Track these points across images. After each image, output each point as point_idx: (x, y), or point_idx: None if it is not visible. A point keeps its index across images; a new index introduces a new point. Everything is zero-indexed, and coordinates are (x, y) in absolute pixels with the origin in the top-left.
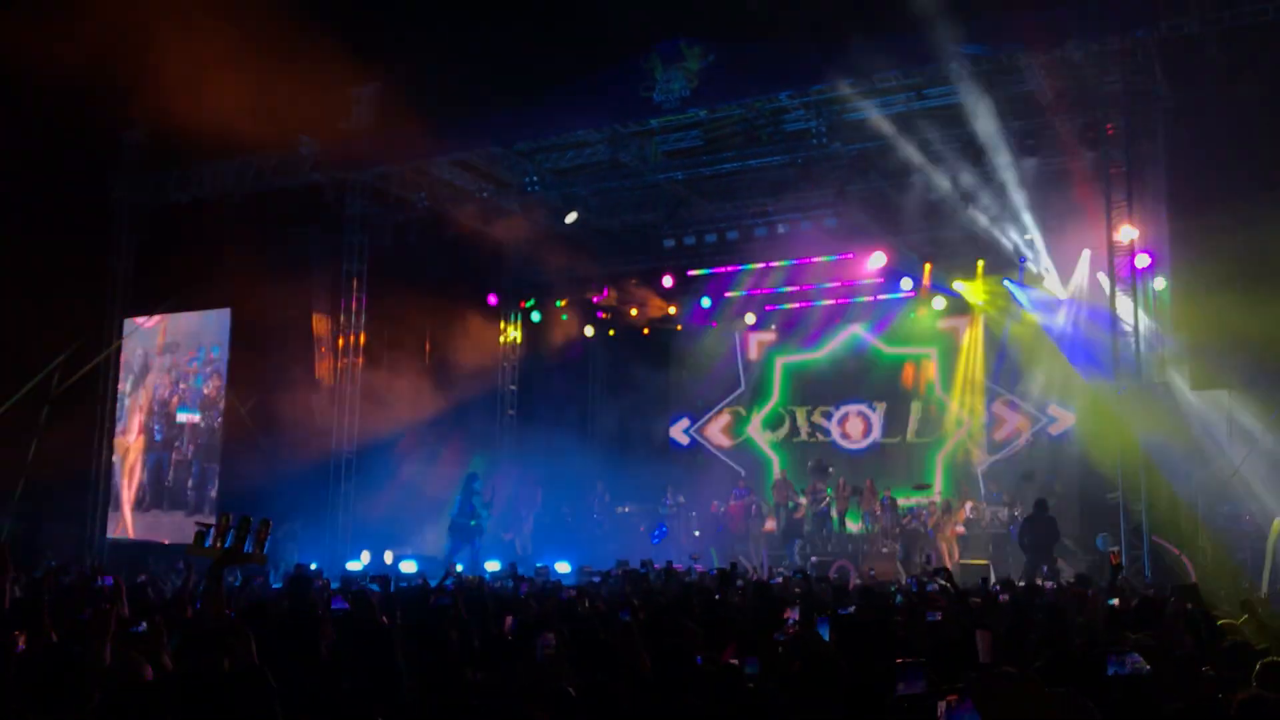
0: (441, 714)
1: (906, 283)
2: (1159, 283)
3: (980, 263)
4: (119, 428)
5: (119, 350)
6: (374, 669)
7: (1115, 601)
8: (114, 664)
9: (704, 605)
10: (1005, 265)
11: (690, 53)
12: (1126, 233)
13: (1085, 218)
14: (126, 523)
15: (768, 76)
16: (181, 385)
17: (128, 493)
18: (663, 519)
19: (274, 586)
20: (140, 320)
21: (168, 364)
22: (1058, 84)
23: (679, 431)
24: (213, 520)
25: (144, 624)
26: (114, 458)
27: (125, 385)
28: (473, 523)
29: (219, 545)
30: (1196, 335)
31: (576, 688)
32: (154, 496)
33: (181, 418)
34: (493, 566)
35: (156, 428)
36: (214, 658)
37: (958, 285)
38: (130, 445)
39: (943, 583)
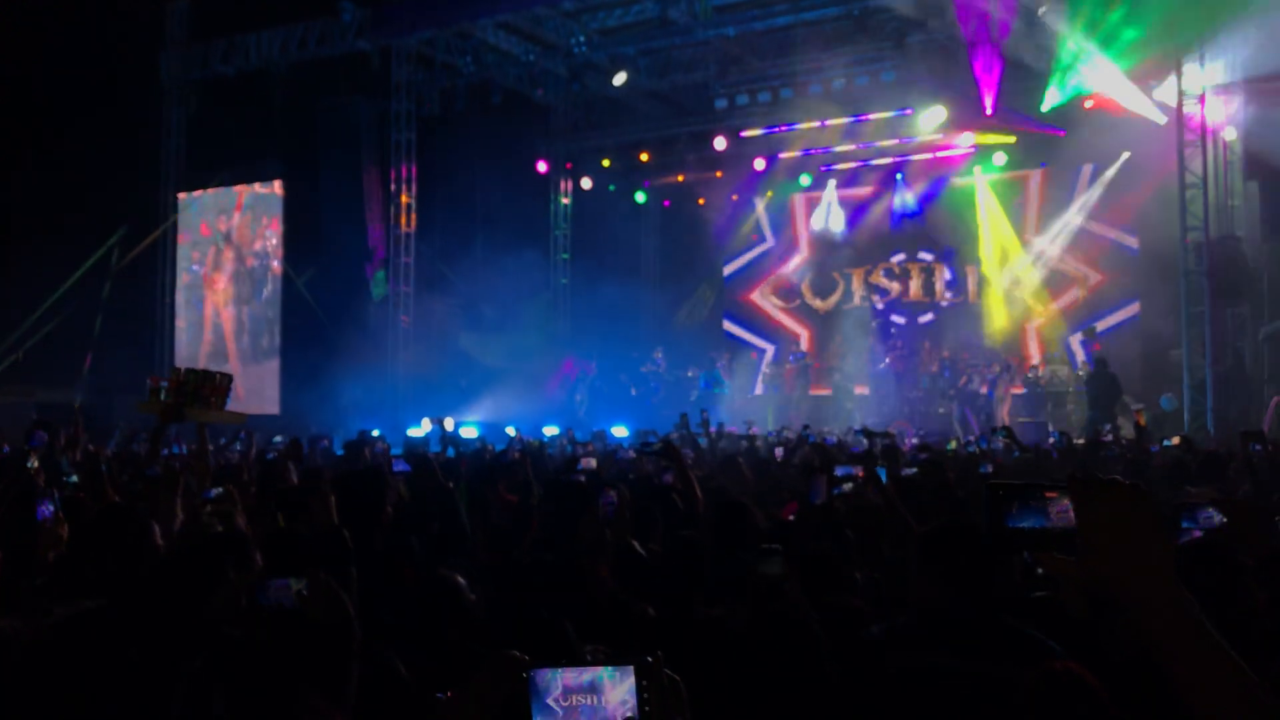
0: (506, 570)
1: (967, 137)
2: (1230, 133)
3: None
4: (204, 295)
5: (175, 225)
6: (440, 528)
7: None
8: (186, 522)
9: (758, 466)
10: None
11: None
12: (1198, 79)
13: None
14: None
15: None
16: (244, 257)
17: (213, 362)
18: (712, 379)
19: (336, 453)
20: (195, 194)
21: (232, 235)
22: None
23: (728, 297)
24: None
25: (216, 489)
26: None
27: (202, 255)
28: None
29: (170, 400)
30: (1270, 186)
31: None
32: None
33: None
34: (550, 431)
35: (235, 294)
36: (292, 517)
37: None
38: (210, 313)
39: (1005, 440)
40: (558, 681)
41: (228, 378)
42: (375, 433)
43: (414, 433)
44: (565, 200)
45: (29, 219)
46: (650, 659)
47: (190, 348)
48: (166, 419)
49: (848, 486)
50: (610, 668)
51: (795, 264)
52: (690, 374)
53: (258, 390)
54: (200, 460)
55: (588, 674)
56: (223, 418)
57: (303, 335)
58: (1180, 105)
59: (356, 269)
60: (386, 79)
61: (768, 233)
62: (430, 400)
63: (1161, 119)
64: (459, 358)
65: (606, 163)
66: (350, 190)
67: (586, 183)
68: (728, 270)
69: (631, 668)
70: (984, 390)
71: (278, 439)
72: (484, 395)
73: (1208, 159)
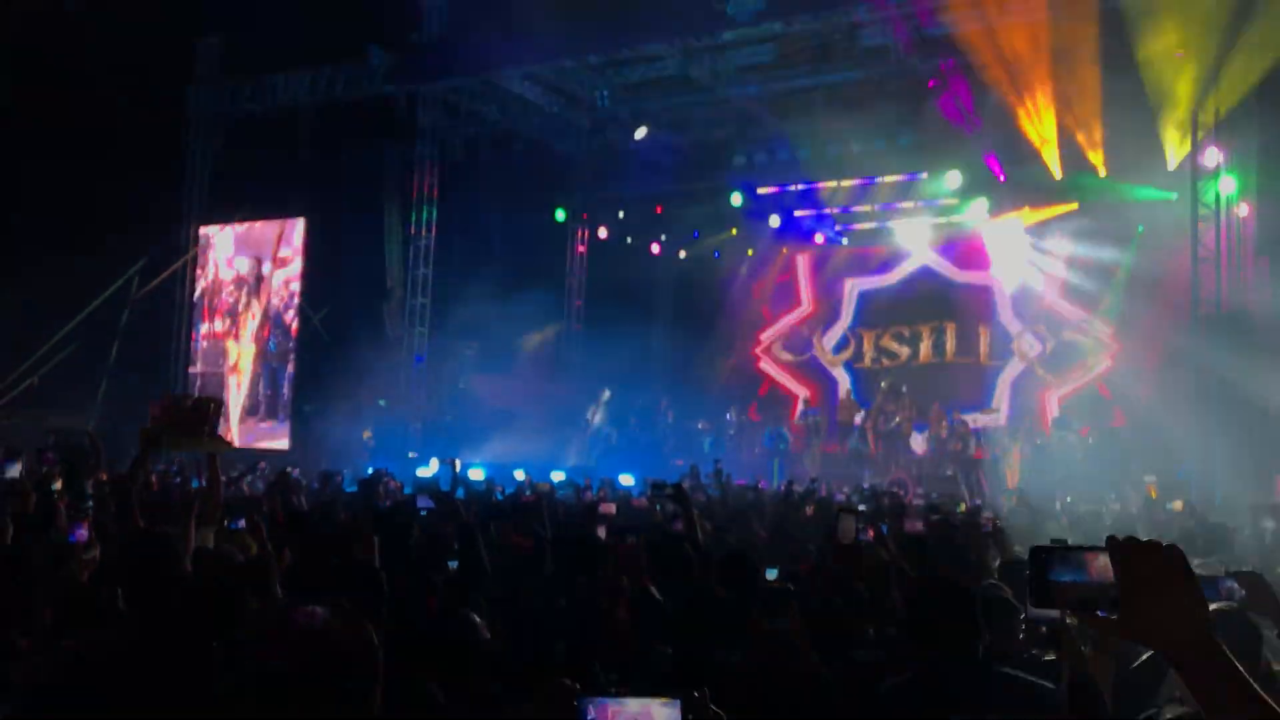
0: (526, 610)
1: (981, 204)
2: (1243, 209)
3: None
4: (223, 327)
5: (195, 257)
6: (461, 564)
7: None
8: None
9: (771, 519)
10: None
11: None
12: (1212, 155)
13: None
14: (232, 431)
15: None
16: (259, 292)
17: (236, 400)
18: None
19: (347, 490)
20: (216, 228)
21: (250, 269)
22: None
23: (739, 350)
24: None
25: (242, 520)
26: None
27: (237, 295)
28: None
29: (154, 426)
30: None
31: (658, 588)
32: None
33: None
34: (558, 477)
35: (272, 339)
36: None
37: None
38: (240, 353)
39: (1019, 505)
40: (606, 711)
41: (216, 404)
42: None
43: (423, 472)
44: (581, 249)
45: (52, 246)
46: (697, 694)
47: (205, 380)
48: (149, 446)
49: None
50: (658, 700)
51: (808, 321)
52: (701, 426)
53: (270, 425)
54: (212, 490)
55: (636, 705)
56: (203, 446)
57: (317, 372)
58: (1194, 177)
59: (373, 309)
60: (411, 123)
61: (782, 288)
62: (439, 440)
63: (1172, 195)
64: (469, 399)
65: (622, 215)
66: (370, 231)
67: (603, 232)
68: (741, 324)
69: (679, 701)
70: (977, 455)
71: (293, 471)
72: (492, 437)
73: (1220, 234)
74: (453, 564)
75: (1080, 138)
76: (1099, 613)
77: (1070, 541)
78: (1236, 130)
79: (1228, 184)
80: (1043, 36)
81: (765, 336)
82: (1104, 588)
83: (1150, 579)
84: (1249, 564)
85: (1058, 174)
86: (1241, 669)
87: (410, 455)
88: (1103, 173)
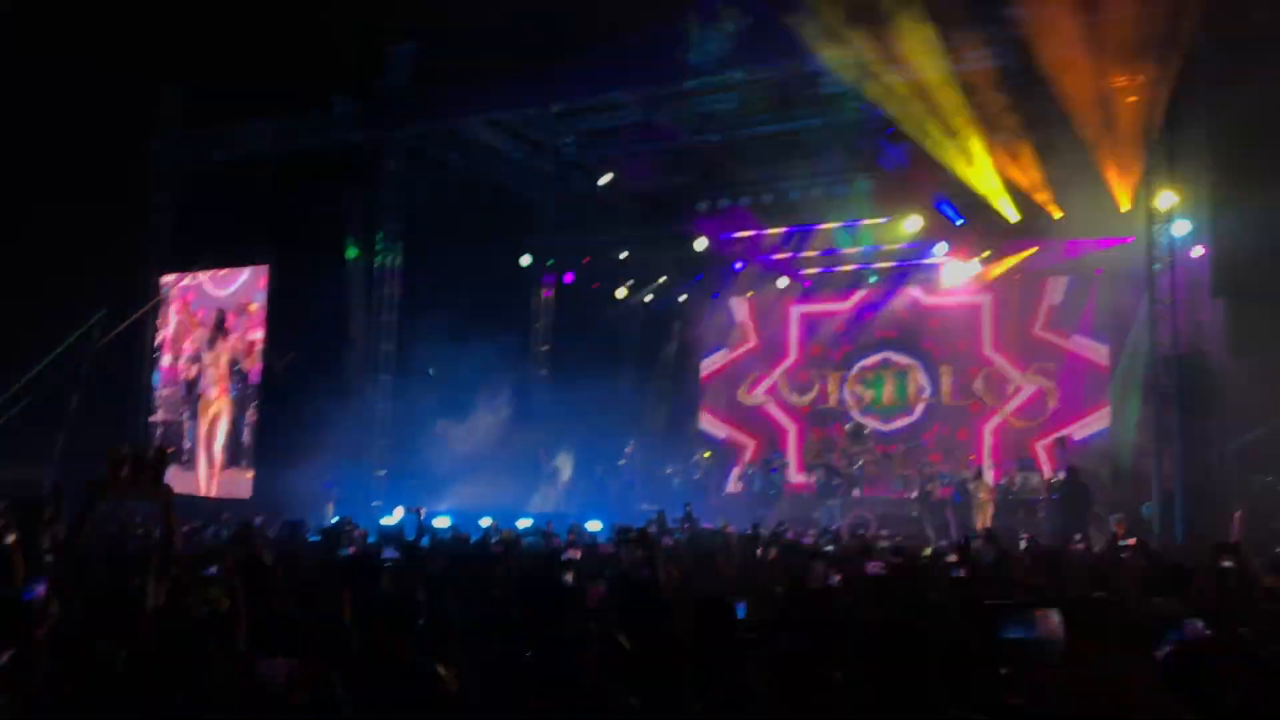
0: (493, 660)
1: (942, 247)
2: (1197, 250)
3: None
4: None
5: (157, 306)
6: (428, 614)
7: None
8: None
9: (739, 563)
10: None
11: (727, 14)
12: (1166, 199)
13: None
14: (199, 481)
15: (805, 40)
16: (223, 340)
17: (206, 451)
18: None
19: (311, 539)
20: (178, 276)
21: (213, 318)
22: (1105, 46)
23: (706, 394)
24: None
25: (215, 568)
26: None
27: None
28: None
29: (110, 475)
30: (1237, 303)
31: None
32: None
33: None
34: (525, 524)
35: (234, 387)
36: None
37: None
38: (202, 402)
39: (986, 545)
40: None
41: (160, 453)
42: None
43: (387, 521)
44: (547, 294)
45: (11, 296)
46: None
47: (167, 429)
48: (94, 497)
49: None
50: None
51: (773, 364)
52: (668, 471)
53: (229, 475)
54: (167, 541)
55: None
56: (144, 495)
57: (280, 421)
58: (1149, 222)
59: (337, 356)
60: (376, 170)
61: (745, 333)
62: (405, 488)
63: (1129, 238)
64: (434, 446)
65: (587, 260)
66: (334, 278)
67: (569, 277)
68: (706, 368)
69: None
70: (945, 494)
71: (257, 521)
72: (457, 485)
73: (1177, 276)
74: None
75: (1034, 183)
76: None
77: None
78: (1189, 174)
79: (1182, 227)
80: (989, 84)
81: (730, 380)
82: (1051, 644)
83: (1096, 635)
84: (1207, 603)
85: (1014, 217)
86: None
87: (374, 504)
88: (1058, 215)
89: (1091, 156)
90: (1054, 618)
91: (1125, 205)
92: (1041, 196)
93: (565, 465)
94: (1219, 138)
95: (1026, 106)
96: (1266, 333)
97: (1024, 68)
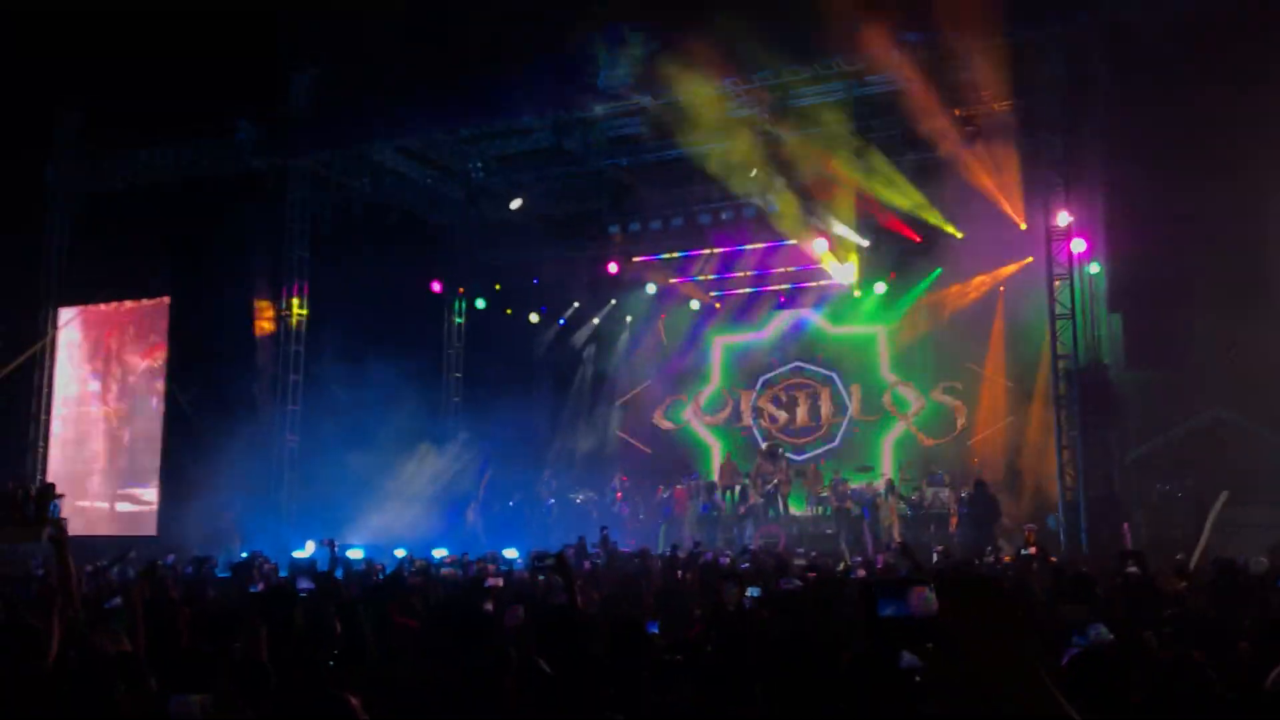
0: (412, 683)
1: (847, 270)
2: (1093, 267)
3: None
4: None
5: (54, 340)
6: (344, 642)
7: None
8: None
9: (658, 585)
10: (944, 251)
11: (634, 39)
12: (1063, 218)
13: (1024, 204)
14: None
15: (713, 64)
16: (125, 374)
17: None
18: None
19: (220, 575)
20: (76, 309)
21: (114, 351)
22: (999, 70)
23: (622, 418)
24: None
25: (118, 599)
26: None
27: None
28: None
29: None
30: (1133, 317)
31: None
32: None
33: (123, 406)
34: (440, 553)
35: (137, 420)
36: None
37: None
38: (102, 437)
39: (900, 558)
40: None
41: (43, 492)
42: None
43: (299, 554)
44: (459, 320)
45: None
46: None
47: (66, 465)
48: None
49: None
50: None
51: (686, 385)
52: (580, 499)
53: (133, 512)
54: (63, 580)
55: None
56: (28, 535)
57: (184, 455)
58: (1049, 240)
59: (243, 387)
60: (281, 197)
61: (659, 356)
62: (316, 521)
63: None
64: (346, 478)
65: (498, 287)
66: (240, 307)
67: (481, 303)
68: (621, 392)
69: None
70: (858, 511)
71: (168, 559)
72: (371, 516)
73: (1075, 291)
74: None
75: (936, 205)
76: (928, 645)
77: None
78: (1085, 194)
79: (1079, 244)
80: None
81: (645, 403)
82: (928, 621)
83: (973, 614)
84: (1113, 609)
85: (917, 238)
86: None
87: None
88: (960, 236)
89: (992, 179)
90: (927, 593)
91: (1022, 224)
92: (942, 218)
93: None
94: (1112, 161)
95: (927, 131)
96: (1161, 345)
97: (922, 93)
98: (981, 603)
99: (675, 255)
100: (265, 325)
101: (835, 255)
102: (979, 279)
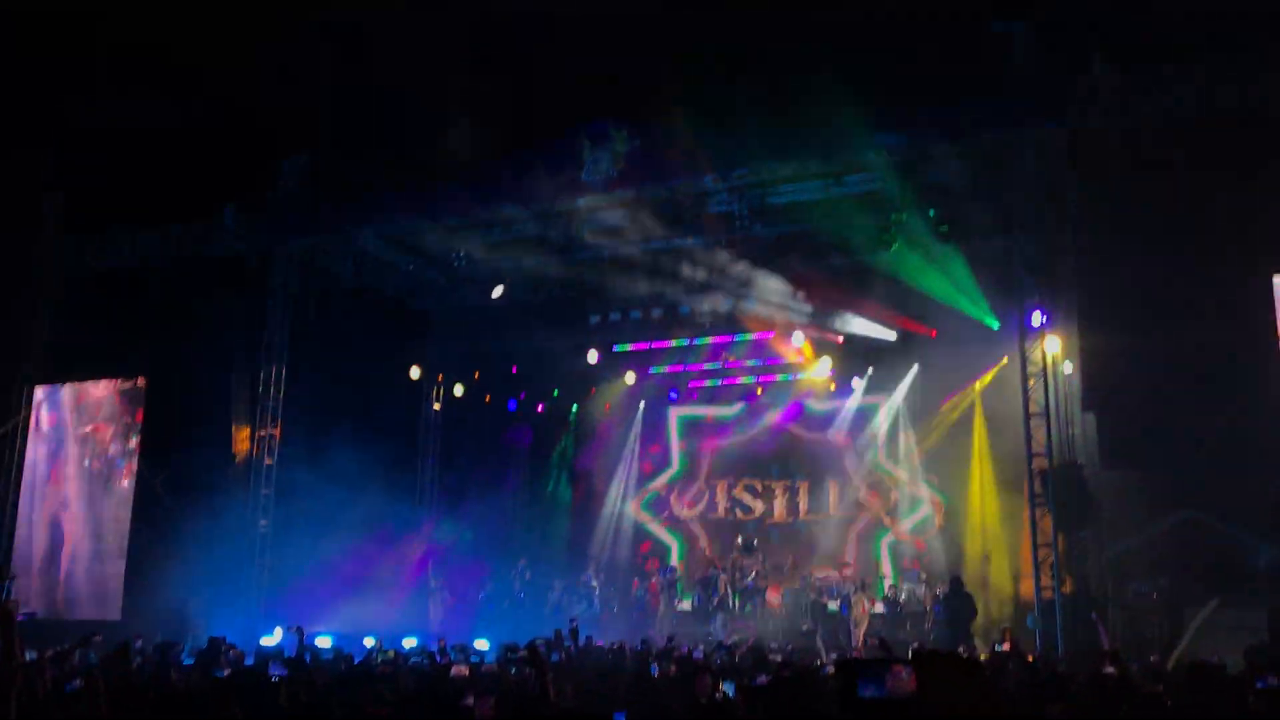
0: None
1: (823, 364)
2: (1067, 367)
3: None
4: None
5: (27, 419)
6: None
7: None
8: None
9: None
10: (919, 348)
11: (618, 135)
12: (1036, 318)
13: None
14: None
15: (693, 160)
16: (98, 455)
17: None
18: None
19: (185, 662)
20: (51, 388)
21: (88, 432)
22: (972, 172)
23: (602, 507)
24: None
25: (78, 681)
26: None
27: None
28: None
29: None
30: (1107, 416)
31: None
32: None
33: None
34: (410, 643)
35: (108, 501)
36: None
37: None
38: (73, 517)
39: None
40: None
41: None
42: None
43: (267, 641)
44: (437, 406)
45: None
46: None
47: (29, 545)
48: None
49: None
50: None
51: (664, 477)
52: (555, 588)
53: (99, 594)
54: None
55: None
56: None
57: (153, 537)
58: (1022, 339)
59: (217, 472)
60: (263, 280)
61: (637, 445)
62: (285, 608)
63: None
64: (317, 564)
65: (477, 375)
66: (217, 391)
67: (459, 389)
68: (597, 482)
69: None
70: (837, 607)
71: (137, 642)
72: (341, 603)
73: (1049, 391)
74: None
75: (911, 307)
76: None
77: None
78: (1059, 294)
79: (1052, 343)
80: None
81: (621, 493)
82: (907, 700)
83: (948, 689)
84: (1089, 710)
85: (893, 336)
86: None
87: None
88: (933, 335)
89: (969, 281)
90: (904, 674)
91: (995, 324)
92: (918, 316)
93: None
94: (1085, 260)
95: (903, 229)
96: (1135, 445)
97: (908, 197)
98: (959, 680)
99: (654, 345)
100: (242, 408)
101: (812, 351)
102: (953, 400)
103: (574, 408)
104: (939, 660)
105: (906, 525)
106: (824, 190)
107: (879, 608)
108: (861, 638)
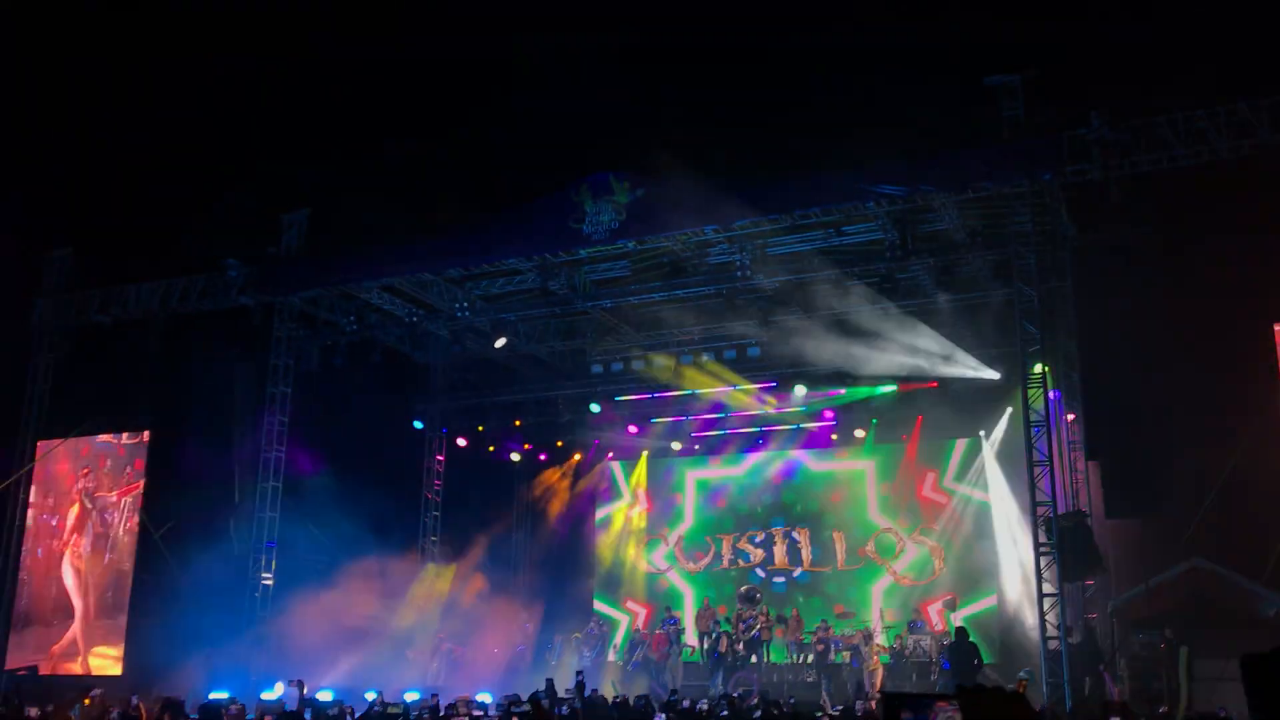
0: None
1: (827, 414)
2: (1069, 415)
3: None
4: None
5: (30, 472)
6: None
7: None
8: None
9: None
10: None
11: (619, 187)
12: (1038, 367)
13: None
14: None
15: (694, 211)
16: (100, 508)
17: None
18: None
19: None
20: (54, 443)
21: (90, 485)
22: (970, 223)
23: (606, 560)
24: None
25: None
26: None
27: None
28: None
29: None
30: (1111, 464)
31: None
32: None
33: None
34: (412, 697)
35: (110, 554)
36: None
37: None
38: (76, 571)
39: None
40: None
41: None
42: (226, 694)
43: (267, 695)
44: (440, 458)
45: None
46: None
47: (34, 602)
48: None
49: None
50: None
51: (668, 528)
52: (556, 640)
53: (100, 650)
54: None
55: None
56: None
57: (155, 592)
58: (1024, 389)
59: (219, 525)
60: (266, 333)
61: (641, 496)
62: (286, 662)
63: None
64: (320, 618)
65: (481, 428)
66: (219, 444)
67: (462, 441)
68: (600, 532)
69: None
70: (847, 658)
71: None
72: (342, 658)
73: (1052, 439)
74: None
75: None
76: None
77: None
78: (1060, 343)
79: (1053, 392)
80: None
81: (624, 544)
82: None
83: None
84: None
85: (894, 388)
86: None
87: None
88: (935, 386)
89: (967, 329)
90: (950, 711)
91: (996, 376)
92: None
93: (444, 657)
94: (1086, 314)
95: (905, 280)
96: (1139, 493)
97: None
98: (1008, 717)
99: (656, 396)
100: (244, 461)
101: (816, 399)
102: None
103: (576, 458)
104: (985, 696)
105: (914, 573)
106: (824, 240)
107: (885, 659)
108: (879, 686)
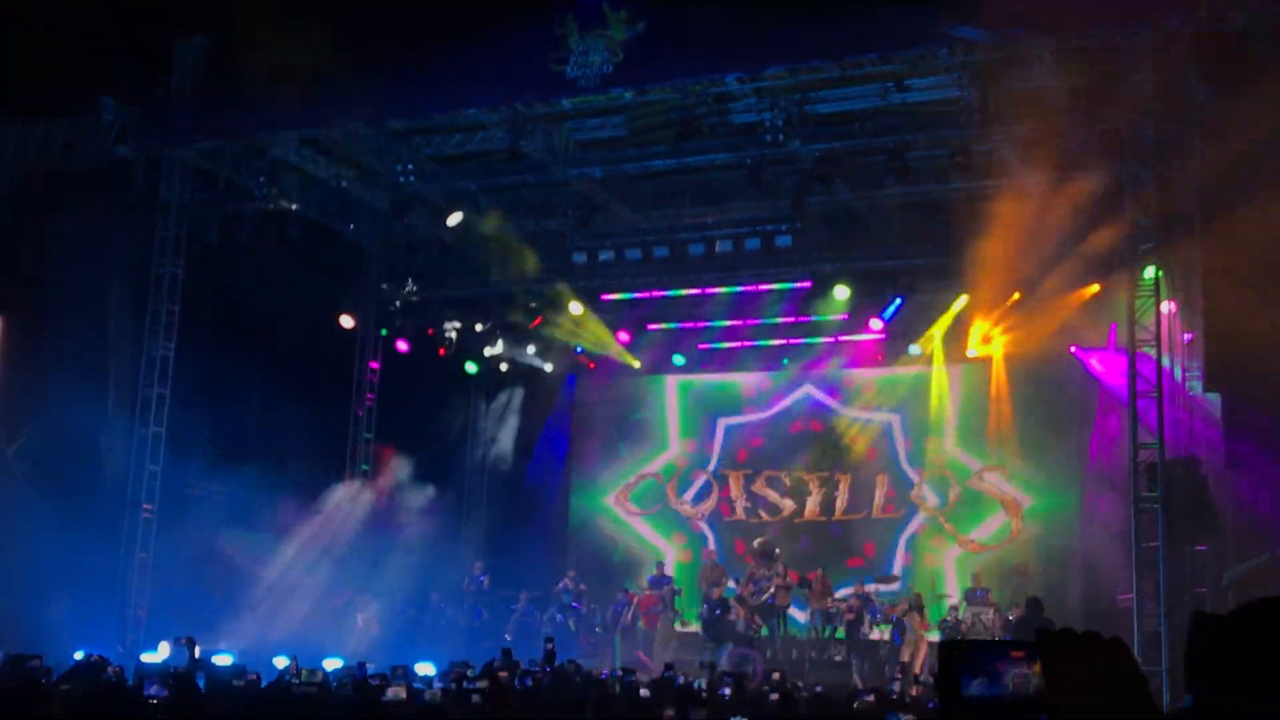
0: None
1: (875, 323)
2: (1186, 335)
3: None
4: None
5: None
6: None
7: None
8: None
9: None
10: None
11: (615, 18)
12: (1150, 271)
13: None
14: None
15: (712, 53)
16: None
17: None
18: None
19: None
20: None
21: None
22: (1071, 82)
23: (579, 500)
24: None
25: None
26: None
27: None
28: None
29: None
30: (1236, 400)
31: None
32: None
33: None
34: (333, 664)
35: None
36: None
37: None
38: None
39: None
40: None
41: None
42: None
43: (149, 658)
44: (374, 365)
45: None
46: None
47: None
48: None
49: None
50: None
51: (661, 462)
52: (521, 599)
53: None
54: None
55: None
56: None
57: (5, 524)
58: (1131, 297)
59: (88, 436)
60: (151, 197)
61: (628, 421)
62: (174, 618)
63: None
64: (216, 563)
65: (430, 332)
66: (89, 338)
67: (403, 345)
68: (577, 467)
69: None
70: (888, 633)
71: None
72: (247, 613)
73: (1162, 363)
74: None
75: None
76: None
77: None
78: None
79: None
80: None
81: (607, 482)
82: (1025, 702)
83: (1089, 680)
84: None
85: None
86: None
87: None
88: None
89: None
90: (1030, 665)
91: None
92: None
93: (368, 618)
94: (1214, 198)
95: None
96: (1270, 436)
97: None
98: (1102, 670)
99: (656, 295)
100: (122, 358)
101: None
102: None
103: (548, 370)
104: (1074, 643)
105: (973, 529)
106: (881, 97)
107: (933, 634)
108: (921, 667)
